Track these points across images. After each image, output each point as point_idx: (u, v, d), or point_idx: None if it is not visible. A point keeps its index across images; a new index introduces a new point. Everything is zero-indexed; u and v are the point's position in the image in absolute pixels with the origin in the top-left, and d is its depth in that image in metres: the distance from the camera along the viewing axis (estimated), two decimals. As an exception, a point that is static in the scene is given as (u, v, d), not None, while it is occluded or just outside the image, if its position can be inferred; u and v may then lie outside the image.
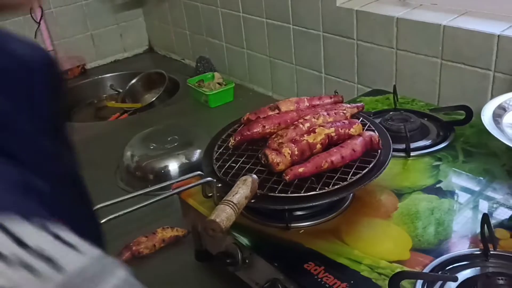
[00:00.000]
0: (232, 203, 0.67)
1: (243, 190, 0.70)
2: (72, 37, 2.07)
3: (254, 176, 0.74)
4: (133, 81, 1.93)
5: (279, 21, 1.53)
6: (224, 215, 0.65)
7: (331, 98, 0.97)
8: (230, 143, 0.88)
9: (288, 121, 0.89)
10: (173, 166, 1.25)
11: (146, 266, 1.03)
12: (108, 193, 1.14)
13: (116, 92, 2.00)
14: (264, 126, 0.87)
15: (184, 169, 1.25)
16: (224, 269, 0.83)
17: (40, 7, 1.93)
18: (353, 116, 0.93)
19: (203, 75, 1.76)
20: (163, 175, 1.24)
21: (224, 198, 0.69)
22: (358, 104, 0.96)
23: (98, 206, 0.68)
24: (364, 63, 1.34)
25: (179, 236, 1.06)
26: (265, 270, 0.75)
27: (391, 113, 1.07)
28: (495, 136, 0.86)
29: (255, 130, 0.88)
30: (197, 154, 1.28)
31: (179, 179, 0.80)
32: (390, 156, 0.83)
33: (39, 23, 1.95)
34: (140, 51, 2.26)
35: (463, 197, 0.85)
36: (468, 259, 0.72)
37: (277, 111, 0.92)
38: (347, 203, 0.84)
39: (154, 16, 2.16)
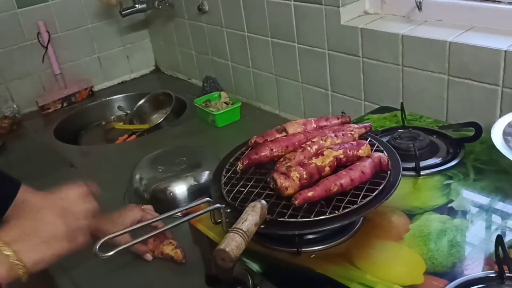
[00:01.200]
0: (241, 231, 0.66)
1: (252, 216, 0.70)
2: (79, 60, 2.10)
3: (263, 201, 0.73)
4: (141, 102, 1.94)
5: (284, 39, 1.54)
6: (233, 244, 0.64)
7: (338, 118, 0.97)
8: (238, 167, 0.88)
9: (296, 143, 0.88)
10: (182, 188, 1.24)
11: (156, 292, 1.02)
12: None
13: (124, 114, 2.01)
14: (272, 150, 0.87)
15: (193, 191, 1.24)
16: (235, 295, 0.82)
17: (47, 31, 1.96)
18: (361, 136, 0.93)
19: (210, 94, 1.77)
20: (172, 198, 1.24)
21: (233, 226, 0.68)
22: (366, 124, 0.95)
23: (108, 236, 0.67)
24: (370, 80, 1.34)
25: (174, 259, 1.06)
26: (277, 297, 0.75)
27: (399, 131, 1.06)
28: (506, 156, 0.85)
29: (263, 154, 0.87)
30: (205, 175, 1.28)
31: (189, 206, 0.80)
32: (400, 177, 0.82)
33: (46, 47, 1.98)
34: (146, 72, 2.28)
35: (475, 216, 0.84)
36: (484, 282, 0.70)
37: (284, 133, 0.91)
38: (358, 225, 0.83)
39: (160, 37, 2.18)
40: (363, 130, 0.93)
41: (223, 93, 1.75)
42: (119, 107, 2.05)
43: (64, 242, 0.74)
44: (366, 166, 0.81)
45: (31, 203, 0.81)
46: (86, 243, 0.77)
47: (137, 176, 1.32)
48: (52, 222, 0.74)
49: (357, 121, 1.12)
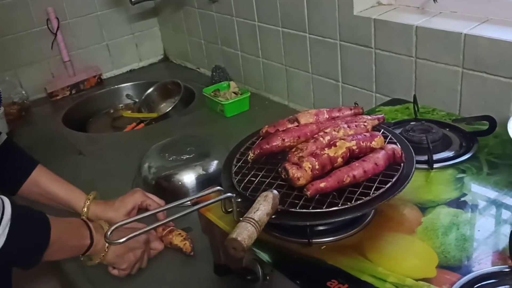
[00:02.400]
0: (253, 221, 0.66)
1: (264, 206, 0.69)
2: (88, 48, 2.09)
3: (275, 191, 0.73)
4: (149, 90, 1.94)
5: (295, 30, 1.52)
6: (245, 233, 0.64)
7: (351, 109, 0.96)
8: (249, 157, 0.87)
9: (308, 134, 0.87)
10: (190, 177, 1.24)
11: (163, 280, 1.02)
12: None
13: (132, 102, 2.01)
14: (283, 140, 0.86)
15: (202, 181, 1.24)
16: (244, 285, 0.82)
17: (56, 18, 1.95)
18: (374, 128, 0.92)
19: (219, 84, 1.75)
20: (181, 186, 1.24)
21: (245, 215, 0.68)
22: (379, 116, 0.94)
23: (119, 223, 0.67)
24: (382, 72, 1.32)
25: (183, 251, 1.06)
26: (287, 288, 0.74)
27: (411, 123, 1.05)
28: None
29: (274, 144, 0.86)
30: (214, 165, 1.27)
31: (199, 195, 0.79)
32: (413, 169, 0.81)
33: (55, 34, 1.97)
34: (155, 61, 2.27)
35: (489, 211, 0.83)
36: (497, 277, 0.69)
37: (296, 123, 0.90)
38: (369, 217, 0.82)
39: (169, 26, 2.17)
40: (376, 122, 0.92)
41: (232, 83, 1.74)
42: (128, 96, 2.04)
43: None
44: (379, 157, 0.80)
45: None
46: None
47: (146, 165, 1.31)
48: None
49: (368, 113, 1.11)
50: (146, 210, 1.12)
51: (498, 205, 0.84)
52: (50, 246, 0.84)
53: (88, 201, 1.12)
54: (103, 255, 0.96)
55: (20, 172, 1.10)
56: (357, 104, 0.99)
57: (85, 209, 1.11)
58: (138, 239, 0.99)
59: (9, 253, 0.79)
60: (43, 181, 1.11)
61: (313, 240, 0.77)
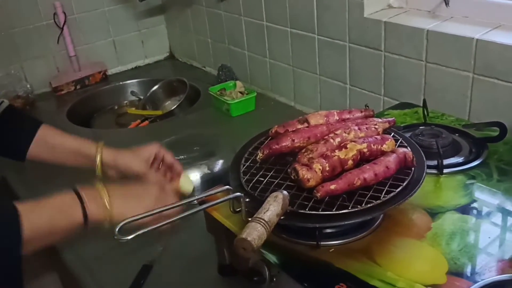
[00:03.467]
0: (263, 221, 0.65)
1: (274, 207, 0.68)
2: (94, 43, 2.08)
3: (285, 192, 0.72)
4: (154, 88, 1.93)
5: (304, 31, 1.51)
6: (255, 233, 0.63)
7: (361, 112, 0.95)
8: (258, 157, 0.86)
9: (318, 135, 0.86)
10: (195, 176, 1.23)
11: (167, 280, 1.01)
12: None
13: (137, 99, 2.00)
14: (293, 140, 0.85)
15: (207, 180, 1.23)
16: (250, 286, 0.81)
17: (63, 12, 1.94)
18: (384, 131, 0.91)
19: (225, 83, 1.75)
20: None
21: (254, 216, 0.67)
22: (390, 119, 0.93)
23: (126, 220, 0.66)
24: (391, 75, 1.31)
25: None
26: (294, 290, 0.73)
27: (421, 127, 1.04)
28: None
29: (284, 144, 0.85)
30: (219, 164, 1.26)
31: (207, 193, 0.78)
32: (424, 174, 0.81)
33: (62, 28, 1.96)
34: (161, 58, 2.27)
35: (499, 218, 0.82)
36: (508, 285, 0.68)
37: (306, 124, 0.90)
38: (378, 221, 0.81)
39: (176, 24, 2.16)
40: (387, 125, 0.91)
41: (238, 83, 1.73)
42: (132, 92, 2.03)
43: (153, 201, 0.83)
44: (391, 161, 0.79)
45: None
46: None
47: (151, 162, 1.30)
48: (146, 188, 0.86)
49: (376, 116, 1.10)
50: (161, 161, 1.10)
51: (508, 212, 0.83)
52: (26, 242, 0.73)
53: (100, 148, 1.04)
54: (109, 218, 0.80)
55: (24, 134, 1.04)
56: (367, 106, 0.98)
57: (98, 155, 1.03)
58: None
59: None
60: (50, 137, 1.05)
61: (321, 243, 0.77)
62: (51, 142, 1.05)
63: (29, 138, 1.04)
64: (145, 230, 0.67)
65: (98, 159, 1.03)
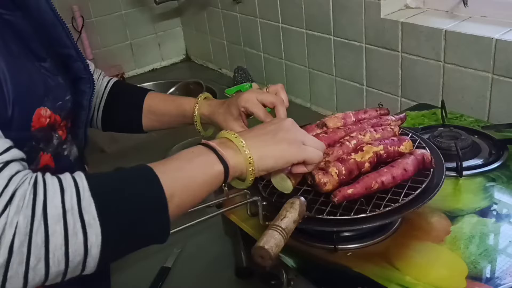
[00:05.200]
0: (280, 228, 0.65)
1: (291, 213, 0.68)
2: (111, 46, 2.10)
3: (302, 198, 0.71)
4: (171, 90, 1.94)
5: (320, 32, 1.51)
6: (273, 241, 0.63)
7: (376, 111, 0.94)
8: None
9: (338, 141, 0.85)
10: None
11: (184, 281, 1.02)
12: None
13: (154, 101, 2.01)
14: (314, 149, 0.84)
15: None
16: (266, 288, 0.81)
17: (81, 16, 1.97)
18: (402, 132, 0.90)
19: (241, 85, 1.75)
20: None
21: (272, 223, 0.66)
22: (401, 115, 0.93)
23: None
24: (408, 76, 1.30)
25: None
26: (312, 294, 0.73)
27: (439, 129, 1.03)
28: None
29: (305, 152, 0.84)
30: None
31: (225, 197, 0.78)
32: (443, 176, 0.80)
33: (80, 32, 1.99)
34: (177, 60, 2.28)
35: (520, 221, 0.81)
36: (529, 290, 0.67)
37: (324, 128, 0.89)
38: (396, 225, 0.81)
39: (192, 26, 2.17)
40: (400, 122, 0.91)
41: (254, 84, 1.73)
42: (149, 95, 2.04)
43: (293, 147, 0.70)
44: (408, 163, 0.78)
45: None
46: (318, 158, 0.72)
47: (168, 164, 1.31)
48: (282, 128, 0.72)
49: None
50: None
51: (530, 215, 0.81)
52: (169, 200, 0.59)
53: (197, 105, 0.96)
54: (251, 168, 0.67)
55: (134, 108, 1.00)
56: (381, 105, 0.97)
57: (197, 107, 0.96)
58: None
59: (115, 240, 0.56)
60: (155, 106, 1.00)
61: (339, 246, 0.76)
62: (158, 112, 1.01)
63: (139, 112, 1.00)
64: (180, 228, 0.67)
65: (196, 119, 0.97)
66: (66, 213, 0.51)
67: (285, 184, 0.75)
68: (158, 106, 1.01)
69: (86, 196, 0.53)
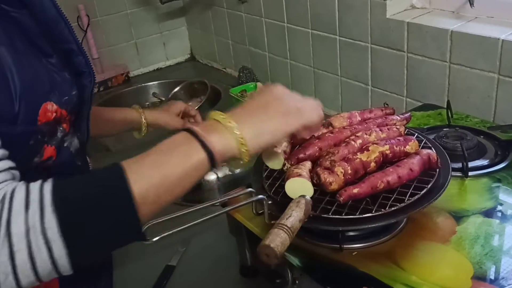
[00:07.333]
0: (286, 227, 0.65)
1: (296, 212, 0.68)
2: (117, 45, 2.11)
3: (308, 197, 0.72)
4: (176, 89, 1.94)
5: (325, 32, 1.51)
6: (278, 240, 0.63)
7: (382, 110, 0.94)
8: (286, 167, 0.84)
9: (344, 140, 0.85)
10: (216, 177, 1.24)
11: (189, 280, 1.02)
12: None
13: (159, 100, 2.01)
14: (320, 149, 0.84)
15: (228, 181, 1.24)
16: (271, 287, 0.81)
17: (87, 15, 1.97)
18: (407, 131, 0.90)
19: (246, 85, 1.75)
20: (207, 185, 1.24)
21: (277, 222, 0.67)
22: (406, 115, 0.93)
23: (149, 223, 0.66)
24: (414, 76, 1.30)
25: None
26: (317, 293, 0.73)
27: (445, 129, 1.03)
28: None
29: (310, 153, 0.84)
30: (240, 166, 1.26)
31: (231, 196, 0.79)
32: (449, 176, 0.79)
33: (85, 31, 1.99)
34: (182, 60, 2.28)
35: (526, 222, 0.80)
36: (536, 291, 0.67)
37: (330, 128, 0.89)
38: (402, 225, 0.81)
39: (197, 25, 2.17)
40: (405, 122, 0.91)
41: (259, 84, 1.74)
42: (154, 94, 2.05)
43: (289, 117, 0.67)
44: (414, 163, 0.78)
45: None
46: (318, 118, 0.70)
47: (173, 163, 1.31)
48: (271, 101, 0.68)
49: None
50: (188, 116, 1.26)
51: (536, 216, 0.81)
52: (140, 198, 0.58)
53: (141, 109, 1.16)
54: (244, 149, 0.64)
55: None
56: (387, 104, 0.98)
57: (143, 115, 1.15)
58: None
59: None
60: (100, 115, 1.07)
61: (344, 246, 0.76)
62: (103, 119, 1.09)
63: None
64: (171, 232, 0.68)
65: (143, 121, 1.15)
66: (29, 231, 0.52)
67: (276, 160, 0.75)
68: (104, 114, 1.09)
69: (48, 211, 0.52)
